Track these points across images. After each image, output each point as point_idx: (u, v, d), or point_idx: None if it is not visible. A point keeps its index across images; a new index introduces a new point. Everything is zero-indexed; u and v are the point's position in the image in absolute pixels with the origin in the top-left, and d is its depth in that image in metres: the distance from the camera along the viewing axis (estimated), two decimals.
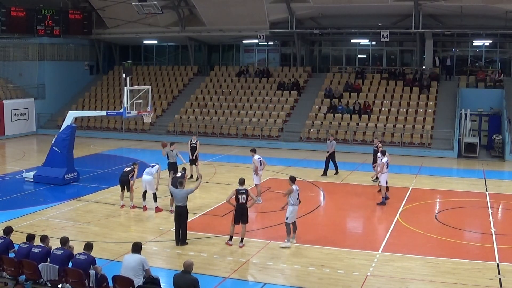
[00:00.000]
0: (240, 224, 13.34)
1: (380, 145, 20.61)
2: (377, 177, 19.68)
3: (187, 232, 13.54)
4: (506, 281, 11.31)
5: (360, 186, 20.33)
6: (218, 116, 32.47)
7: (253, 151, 17.91)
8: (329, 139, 22.09)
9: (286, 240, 13.40)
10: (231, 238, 13.46)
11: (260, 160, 17.56)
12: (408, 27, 30.91)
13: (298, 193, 13.43)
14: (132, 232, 14.52)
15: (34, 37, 35.61)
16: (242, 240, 13.42)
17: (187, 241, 13.43)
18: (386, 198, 17.62)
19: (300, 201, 13.64)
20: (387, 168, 17.63)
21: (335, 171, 22.00)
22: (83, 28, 37.04)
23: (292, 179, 13.62)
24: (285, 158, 26.30)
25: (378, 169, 17.87)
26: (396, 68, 34.03)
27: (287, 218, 13.35)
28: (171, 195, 15.92)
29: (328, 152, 21.78)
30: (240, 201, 13.32)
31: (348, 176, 21.94)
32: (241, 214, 13.31)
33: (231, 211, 13.73)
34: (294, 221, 13.49)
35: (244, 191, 13.39)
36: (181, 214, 13.40)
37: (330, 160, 21.86)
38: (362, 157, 25.30)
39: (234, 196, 13.44)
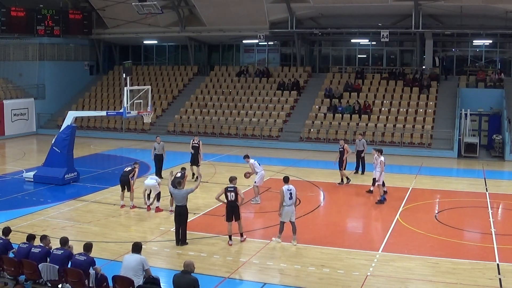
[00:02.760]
0: (234, 221, 13.46)
1: (345, 145, 20.65)
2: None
3: (187, 232, 13.55)
4: (506, 281, 11.31)
5: (360, 186, 20.31)
6: (218, 116, 32.47)
7: (247, 157, 18.03)
8: (358, 139, 22.15)
9: (277, 236, 13.56)
10: (230, 237, 13.52)
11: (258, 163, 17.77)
12: (408, 27, 30.91)
13: (291, 193, 13.34)
14: (132, 232, 14.52)
15: (34, 37, 35.64)
16: (242, 234, 13.61)
17: (187, 241, 13.43)
18: (384, 193, 17.84)
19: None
20: (383, 166, 17.82)
21: (361, 171, 22.17)
22: (83, 28, 37.06)
23: (285, 180, 13.67)
24: (285, 158, 26.30)
25: (377, 169, 17.89)
26: (396, 68, 34.03)
27: (280, 215, 13.48)
28: (171, 196, 15.97)
29: (357, 150, 22.02)
30: (229, 199, 13.44)
31: (348, 176, 21.89)
32: (231, 212, 13.42)
33: None
34: (293, 222, 13.44)
35: (232, 189, 13.49)
36: (181, 214, 13.42)
37: (360, 159, 22.09)
38: None
39: (223, 194, 13.57)
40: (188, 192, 13.64)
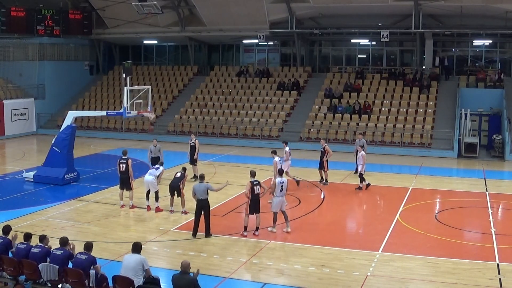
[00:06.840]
0: (255, 214, 14.04)
1: (326, 145, 20.58)
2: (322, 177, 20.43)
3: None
4: (506, 281, 11.31)
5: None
6: (218, 116, 32.47)
7: (274, 152, 18.10)
8: (358, 138, 22.16)
9: (272, 226, 14.33)
10: (245, 229, 14.04)
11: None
12: (408, 27, 30.90)
13: (282, 185, 14.18)
14: (132, 232, 14.52)
15: (34, 37, 35.63)
16: (257, 228, 14.11)
17: (210, 232, 13.95)
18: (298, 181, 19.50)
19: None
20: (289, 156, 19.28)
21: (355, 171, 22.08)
22: (83, 28, 37.05)
23: (279, 172, 14.79)
24: None
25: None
26: (396, 68, 34.03)
27: (271, 207, 14.35)
28: (171, 196, 15.99)
29: (356, 150, 21.79)
30: (256, 192, 14.00)
31: (348, 176, 21.92)
32: (255, 205, 14.01)
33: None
34: (284, 211, 14.27)
35: (257, 182, 14.16)
36: (203, 207, 13.85)
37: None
38: None
39: (249, 188, 14.00)
40: (207, 187, 14.07)
